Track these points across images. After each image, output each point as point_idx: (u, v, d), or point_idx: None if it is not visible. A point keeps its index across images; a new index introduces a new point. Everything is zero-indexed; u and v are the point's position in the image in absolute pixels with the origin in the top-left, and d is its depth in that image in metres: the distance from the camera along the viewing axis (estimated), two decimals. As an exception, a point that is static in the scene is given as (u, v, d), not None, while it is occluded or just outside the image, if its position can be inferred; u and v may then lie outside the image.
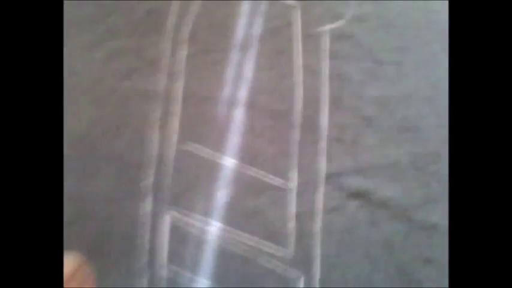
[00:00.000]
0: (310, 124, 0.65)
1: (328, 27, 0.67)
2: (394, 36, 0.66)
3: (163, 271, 0.62)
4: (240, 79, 0.67)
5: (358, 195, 0.62)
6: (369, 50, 0.66)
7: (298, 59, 0.67)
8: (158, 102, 0.68)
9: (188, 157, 0.66)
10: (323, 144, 0.64)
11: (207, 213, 0.64)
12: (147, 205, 0.64)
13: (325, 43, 0.67)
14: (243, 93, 0.67)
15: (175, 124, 0.67)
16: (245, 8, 0.70)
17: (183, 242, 0.63)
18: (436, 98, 0.63)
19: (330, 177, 0.63)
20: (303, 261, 0.61)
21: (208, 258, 0.62)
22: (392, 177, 0.62)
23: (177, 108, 0.68)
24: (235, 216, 0.63)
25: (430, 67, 0.64)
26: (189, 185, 0.65)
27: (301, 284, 0.60)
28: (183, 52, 0.70)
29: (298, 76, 0.66)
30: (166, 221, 0.64)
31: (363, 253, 0.60)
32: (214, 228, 0.63)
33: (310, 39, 0.67)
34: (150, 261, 0.61)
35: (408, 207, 0.61)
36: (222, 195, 0.64)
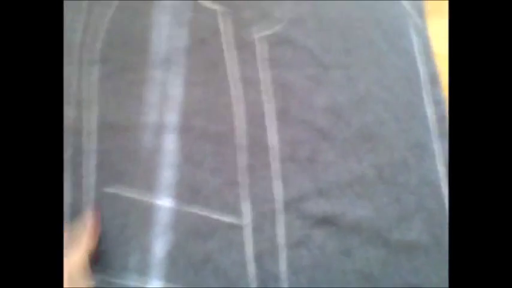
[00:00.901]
0: (257, 145, 0.55)
1: (263, 32, 0.59)
2: (337, 37, 0.60)
3: None
4: (166, 100, 0.57)
5: (324, 221, 0.53)
6: (311, 54, 0.59)
7: (234, 71, 0.58)
8: (67, 139, 0.55)
9: (111, 203, 0.53)
10: (276, 167, 0.54)
11: (141, 272, 0.50)
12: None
13: (263, 51, 0.58)
14: (171, 117, 0.56)
15: (91, 163, 0.54)
16: (164, 18, 0.60)
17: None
18: (392, 100, 0.58)
19: (289, 204, 0.53)
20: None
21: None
22: (360, 196, 0.54)
23: (91, 143, 0.55)
24: (179, 271, 0.50)
25: (380, 68, 0.59)
26: (116, 239, 0.51)
27: None
28: (94, 75, 0.58)
29: (237, 90, 0.57)
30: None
31: (340, 290, 0.50)
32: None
33: (245, 47, 0.59)
34: None
35: (382, 228, 0.53)
36: (159, 246, 0.51)
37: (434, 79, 0.60)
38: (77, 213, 0.53)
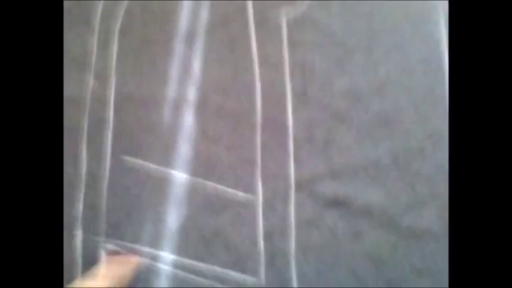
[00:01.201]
0: (273, 124, 0.56)
1: (286, 12, 0.58)
2: (360, 20, 0.59)
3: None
4: (186, 76, 0.57)
5: (335, 203, 0.53)
6: (334, 36, 0.58)
7: (254, 50, 0.58)
8: (85, 109, 0.56)
9: (126, 175, 0.54)
10: (290, 147, 0.55)
11: (154, 243, 0.52)
12: (77, 239, 0.51)
13: (284, 30, 0.58)
14: (191, 93, 0.56)
15: (107, 135, 0.55)
16: (187, -8, 0.60)
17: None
18: (412, 86, 0.57)
19: (301, 184, 0.54)
20: (277, 290, 0.51)
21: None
22: (373, 180, 0.54)
23: (108, 114, 0.56)
24: (191, 244, 0.52)
25: (403, 52, 0.58)
26: (130, 209, 0.53)
27: (277, 317, 0.50)
28: (114, 46, 0.58)
29: (256, 69, 0.57)
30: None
31: (347, 271, 0.52)
32: (165, 261, 0.51)
33: (267, 26, 0.58)
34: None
35: (394, 213, 0.53)
36: (172, 219, 0.53)
37: (457, 67, 0.59)
38: (97, 182, 0.54)
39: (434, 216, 0.54)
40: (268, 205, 0.54)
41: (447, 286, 0.51)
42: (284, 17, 0.59)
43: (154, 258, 0.52)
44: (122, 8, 0.60)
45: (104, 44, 0.59)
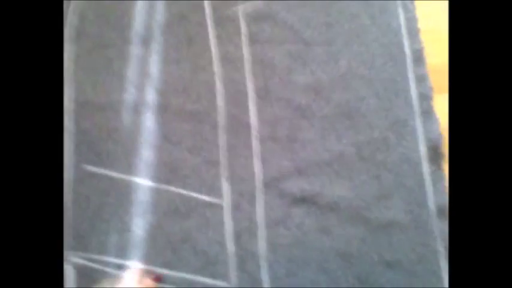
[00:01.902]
0: (236, 123, 0.55)
1: (243, 7, 0.57)
2: (319, 12, 0.59)
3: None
4: (144, 78, 0.56)
5: (303, 200, 0.53)
6: (292, 30, 0.58)
7: (213, 48, 0.56)
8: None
9: (88, 183, 0.53)
10: (255, 146, 0.54)
11: (121, 253, 0.51)
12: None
13: (243, 26, 0.57)
14: (150, 96, 0.55)
15: (68, 143, 0.53)
16: (141, -8, 0.58)
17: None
18: (373, 76, 0.57)
19: (268, 183, 0.54)
20: (249, 291, 0.50)
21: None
22: (338, 174, 0.54)
23: (68, 122, 0.54)
24: (158, 251, 0.51)
25: (362, 43, 0.58)
26: (94, 220, 0.52)
27: (250, 318, 0.49)
28: (71, 52, 0.56)
29: (215, 68, 0.56)
30: (68, 272, 0.50)
31: (318, 267, 0.52)
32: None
33: (224, 23, 0.58)
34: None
35: (360, 207, 0.53)
36: (138, 225, 0.52)
37: (418, 55, 0.59)
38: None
39: (400, 206, 0.54)
40: (235, 206, 0.53)
41: (415, 276, 0.52)
42: (242, 13, 0.58)
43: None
44: (76, 12, 0.58)
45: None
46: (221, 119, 0.55)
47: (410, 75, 0.58)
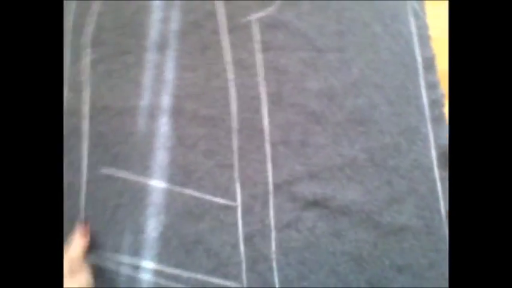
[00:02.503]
0: (249, 128, 0.56)
1: (257, 15, 0.59)
2: (331, 20, 0.60)
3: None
4: (160, 83, 0.57)
5: (314, 204, 0.54)
6: (305, 37, 0.59)
7: (227, 55, 0.58)
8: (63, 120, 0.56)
9: (104, 185, 0.54)
10: (267, 150, 0.55)
11: (135, 252, 0.52)
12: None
13: (256, 34, 0.58)
14: (165, 100, 0.56)
15: (83, 145, 0.55)
16: (157, 1, 0.60)
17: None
18: (385, 83, 0.58)
19: (279, 187, 0.54)
20: (260, 293, 0.51)
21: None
22: (351, 179, 0.54)
23: (84, 125, 0.56)
24: (171, 252, 0.52)
25: (374, 50, 0.59)
26: (108, 220, 0.53)
27: (261, 321, 0.50)
28: (87, 58, 0.58)
29: (229, 74, 0.57)
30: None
31: (329, 271, 0.52)
32: (146, 270, 0.51)
33: (238, 30, 0.59)
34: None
35: (372, 211, 0.54)
36: (152, 226, 0.53)
37: (429, 63, 0.60)
38: (74, 194, 0.54)
39: (412, 211, 0.54)
40: (248, 209, 0.54)
41: (426, 281, 0.52)
42: (255, 20, 0.60)
43: (136, 267, 0.52)
44: (93, 20, 0.60)
45: (77, 57, 0.59)
46: (235, 123, 0.56)
47: (422, 83, 0.59)
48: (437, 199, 0.55)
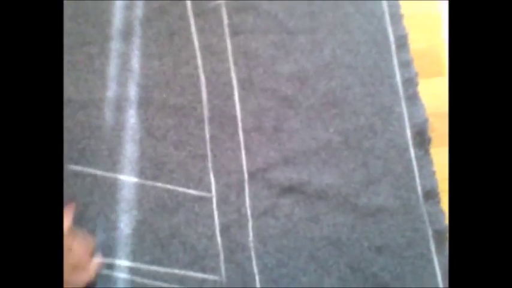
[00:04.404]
0: (221, 116, 0.54)
1: (224, -2, 0.56)
2: (301, 1, 0.57)
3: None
4: (126, 73, 0.54)
5: (290, 190, 0.52)
6: (275, 19, 0.57)
7: (195, 41, 0.55)
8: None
9: (72, 183, 0.51)
10: (240, 138, 0.53)
11: (109, 252, 0.50)
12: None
13: (225, 17, 0.56)
14: (132, 91, 0.54)
15: (48, 143, 0.52)
16: (119, -14, 0.57)
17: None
18: (357, 64, 0.56)
19: (254, 175, 0.53)
20: (239, 284, 0.50)
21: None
22: (326, 162, 0.53)
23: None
24: (146, 248, 0.50)
25: (346, 30, 0.57)
26: (79, 218, 0.50)
27: (243, 311, 0.49)
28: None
29: (198, 61, 0.55)
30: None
31: (308, 257, 0.51)
32: (121, 269, 0.49)
33: (206, 14, 0.56)
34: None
35: (349, 194, 0.53)
36: (124, 223, 0.50)
37: (402, 41, 0.58)
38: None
39: (389, 192, 0.53)
40: (223, 199, 0.52)
41: (405, 260, 0.52)
42: (224, 4, 0.57)
43: (110, 267, 0.50)
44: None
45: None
46: (206, 112, 0.54)
47: (395, 61, 0.58)
48: (413, 178, 0.54)
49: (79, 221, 0.50)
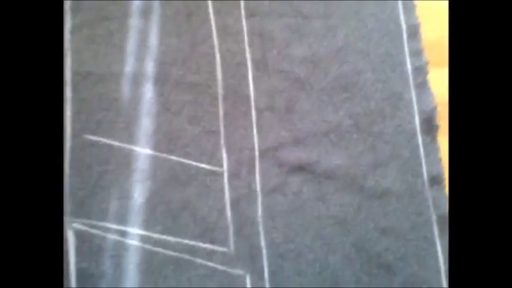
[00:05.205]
0: (234, 94, 0.55)
1: (242, -19, 0.57)
2: (316, -13, 0.58)
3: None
4: (144, 50, 0.56)
5: (300, 169, 0.54)
6: (291, 4, 0.58)
7: (212, 21, 0.56)
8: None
9: (88, 152, 0.53)
10: (253, 116, 0.54)
11: (122, 220, 0.51)
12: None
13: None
14: (149, 66, 0.55)
15: (66, 112, 0.53)
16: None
17: (96, 261, 0.50)
18: (369, 50, 0.58)
19: (265, 152, 0.54)
20: (247, 257, 0.51)
21: (130, 275, 0.50)
22: (335, 144, 0.54)
23: (67, 91, 0.54)
24: (158, 218, 0.51)
25: (359, 17, 0.59)
26: (94, 187, 0.52)
27: (248, 283, 0.50)
28: (66, 24, 0.56)
29: (214, 40, 0.56)
30: (69, 238, 0.50)
31: (314, 234, 0.52)
32: (133, 237, 0.51)
33: (224, -4, 0.57)
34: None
35: (356, 176, 0.54)
36: (138, 193, 0.52)
37: (414, 30, 0.59)
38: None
39: (396, 176, 0.54)
40: (234, 175, 0.53)
41: (408, 242, 0.53)
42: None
43: (122, 234, 0.51)
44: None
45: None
46: (220, 90, 0.55)
47: (406, 50, 0.59)
48: (419, 164, 0.55)
49: (94, 189, 0.52)
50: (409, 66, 0.58)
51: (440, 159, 0.55)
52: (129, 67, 0.55)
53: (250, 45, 0.57)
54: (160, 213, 0.52)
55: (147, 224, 0.52)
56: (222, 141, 0.54)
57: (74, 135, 0.53)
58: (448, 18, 0.40)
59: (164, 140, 0.54)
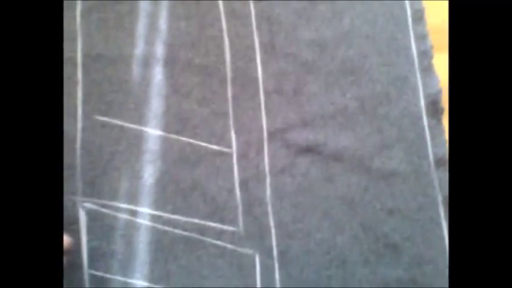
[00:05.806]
0: (243, 77, 0.56)
1: (249, -35, 0.58)
2: (323, -29, 0.59)
3: (85, 278, 0.49)
4: (153, 33, 0.56)
5: (307, 150, 0.54)
6: (298, -12, 0.58)
7: (221, 4, 0.57)
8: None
9: (99, 132, 0.54)
10: (261, 98, 0.55)
11: (132, 199, 0.52)
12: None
13: (249, -16, 0.58)
14: (159, 49, 0.56)
15: (78, 94, 0.54)
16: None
17: (107, 240, 0.51)
18: (375, 34, 0.58)
19: (273, 134, 0.54)
20: (256, 236, 0.52)
21: (141, 254, 0.50)
22: (342, 126, 0.55)
23: (77, 74, 0.55)
24: (168, 197, 0.52)
25: (365, 2, 0.59)
26: (105, 167, 0.53)
27: (257, 262, 0.50)
28: (77, 7, 0.57)
29: (223, 23, 0.57)
30: (81, 217, 0.51)
31: (322, 214, 0.53)
32: (144, 216, 0.51)
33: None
34: (68, 269, 0.47)
35: (363, 157, 0.54)
36: (148, 173, 0.53)
37: (419, 15, 0.60)
38: (70, 141, 0.53)
39: (402, 157, 0.55)
40: (243, 155, 0.54)
41: (415, 223, 0.54)
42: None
43: (133, 214, 0.52)
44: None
45: (68, 5, 0.58)
46: (229, 72, 0.56)
47: (411, 34, 0.60)
48: (425, 146, 0.56)
49: (105, 169, 0.53)
50: (414, 50, 0.59)
51: (445, 141, 0.56)
52: (139, 50, 0.56)
53: (258, 28, 0.57)
54: (170, 193, 0.53)
55: (158, 204, 0.52)
56: (231, 123, 0.55)
57: (85, 117, 0.54)
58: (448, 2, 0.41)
59: (174, 121, 0.54)
